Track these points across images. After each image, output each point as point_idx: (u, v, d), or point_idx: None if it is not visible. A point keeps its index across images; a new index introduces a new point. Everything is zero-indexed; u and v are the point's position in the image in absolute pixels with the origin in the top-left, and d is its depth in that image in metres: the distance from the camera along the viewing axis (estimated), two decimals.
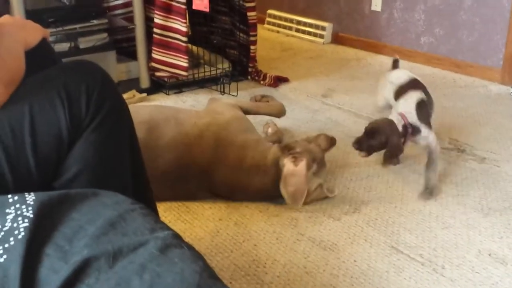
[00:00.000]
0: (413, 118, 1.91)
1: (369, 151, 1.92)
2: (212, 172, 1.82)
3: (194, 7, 2.76)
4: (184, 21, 2.73)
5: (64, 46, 2.69)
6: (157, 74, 2.88)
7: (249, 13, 2.95)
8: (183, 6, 2.70)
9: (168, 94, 2.91)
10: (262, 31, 4.06)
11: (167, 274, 0.70)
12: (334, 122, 2.56)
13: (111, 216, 0.78)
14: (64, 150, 0.97)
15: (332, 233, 1.69)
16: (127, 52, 3.05)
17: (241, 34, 3.09)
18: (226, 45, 3.24)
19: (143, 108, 1.99)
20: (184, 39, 2.76)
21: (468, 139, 2.37)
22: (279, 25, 4.32)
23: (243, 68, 3.16)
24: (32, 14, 2.51)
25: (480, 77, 3.20)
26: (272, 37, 4.19)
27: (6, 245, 0.72)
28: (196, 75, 2.99)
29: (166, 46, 2.80)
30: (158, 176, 1.67)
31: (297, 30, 4.18)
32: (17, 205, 0.77)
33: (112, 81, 1.06)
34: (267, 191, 1.81)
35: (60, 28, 2.62)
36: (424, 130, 1.91)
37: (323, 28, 4.01)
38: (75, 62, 1.05)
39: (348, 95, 2.93)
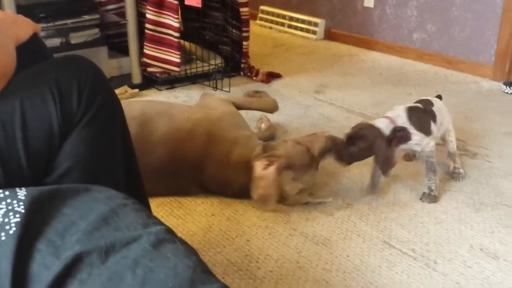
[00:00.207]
0: (402, 120, 1.77)
1: (349, 160, 1.77)
2: (203, 167, 1.81)
3: (186, 2, 2.75)
4: (176, 16, 2.72)
5: (55, 42, 2.67)
6: (149, 69, 2.87)
7: (241, 9, 2.94)
8: (176, 2, 2.69)
9: (160, 90, 2.90)
10: (255, 27, 4.06)
11: (160, 269, 0.70)
12: (326, 118, 2.57)
13: (103, 211, 0.78)
14: (55, 145, 0.97)
15: (324, 228, 1.70)
16: (119, 48, 3.04)
17: (233, 30, 3.09)
18: (218, 41, 3.24)
19: (135, 104, 1.99)
20: (177, 34, 2.75)
21: (460, 135, 2.37)
22: (271, 21, 4.31)
23: (235, 64, 3.16)
24: (23, 9, 2.49)
25: (471, 73, 3.21)
26: (264, 33, 4.18)
27: None
28: (188, 71, 2.98)
29: (158, 41, 2.79)
30: (150, 171, 1.67)
31: (290, 26, 4.18)
32: (8, 200, 0.77)
33: (104, 76, 1.05)
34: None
35: (52, 23, 2.61)
36: (416, 134, 1.77)
37: (315, 24, 4.01)
38: (66, 57, 1.05)
39: (340, 91, 2.94)
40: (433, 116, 1.86)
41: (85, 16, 2.74)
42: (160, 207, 1.80)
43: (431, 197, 1.84)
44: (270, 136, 2.30)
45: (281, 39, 4.02)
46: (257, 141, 1.93)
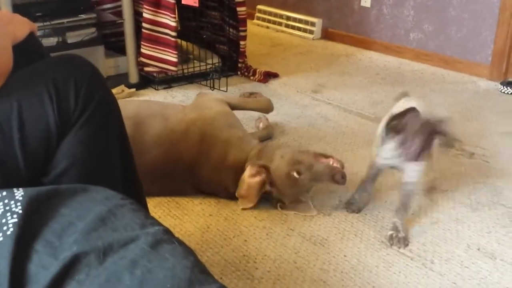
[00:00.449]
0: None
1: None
2: (197, 168, 1.81)
3: (183, 1, 2.74)
4: (173, 15, 2.71)
5: (52, 41, 2.66)
6: (146, 69, 2.87)
7: (238, 8, 2.94)
8: (172, 1, 2.69)
9: (157, 89, 2.90)
10: (252, 27, 4.05)
11: (158, 270, 0.70)
12: (323, 117, 2.56)
13: (101, 211, 0.77)
14: (52, 145, 0.96)
15: (322, 228, 1.70)
16: (115, 47, 3.03)
17: (230, 29, 3.08)
18: (215, 40, 3.23)
19: (129, 103, 1.98)
20: (174, 34, 2.74)
21: (457, 134, 2.38)
22: (268, 21, 4.31)
23: (232, 63, 3.15)
24: (19, 8, 2.48)
25: (468, 73, 3.21)
26: (262, 32, 4.18)
27: None
28: (185, 70, 2.97)
29: (155, 41, 2.78)
30: (145, 172, 1.65)
31: (287, 26, 4.18)
32: (6, 201, 0.76)
33: (101, 75, 1.05)
34: None
35: (48, 23, 2.60)
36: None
37: (312, 24, 4.01)
38: (63, 57, 1.04)
39: (337, 90, 2.94)
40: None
41: (82, 15, 2.73)
42: (158, 207, 1.80)
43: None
44: (267, 136, 2.30)
45: (278, 39, 4.02)
46: (252, 141, 1.92)
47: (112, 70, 2.95)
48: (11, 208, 0.75)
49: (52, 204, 0.78)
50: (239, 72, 3.14)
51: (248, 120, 2.35)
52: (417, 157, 1.55)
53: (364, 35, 3.76)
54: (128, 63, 2.88)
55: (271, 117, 2.41)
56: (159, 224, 0.80)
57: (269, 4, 4.34)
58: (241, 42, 3.03)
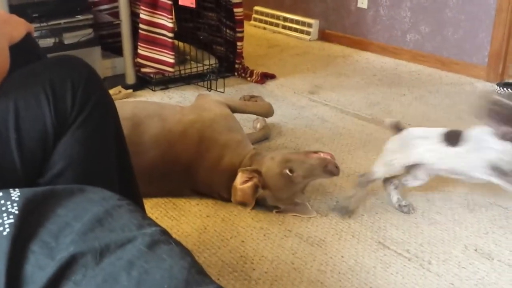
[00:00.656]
0: None
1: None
2: (193, 169, 1.81)
3: (180, 2, 2.74)
4: (170, 16, 2.71)
5: (48, 42, 2.66)
6: (143, 70, 2.86)
7: (235, 9, 2.94)
8: (169, 2, 2.69)
9: (154, 90, 2.89)
10: (249, 28, 4.05)
11: (155, 271, 0.70)
12: (320, 118, 2.57)
13: (98, 212, 0.77)
14: (49, 146, 0.96)
15: (319, 229, 1.69)
16: (112, 48, 3.03)
17: (227, 31, 3.08)
18: (212, 41, 3.23)
19: (127, 104, 1.98)
20: (171, 35, 2.74)
21: None
22: (265, 22, 4.31)
23: (229, 64, 3.15)
24: (16, 9, 2.47)
25: (465, 74, 3.22)
26: (258, 33, 4.18)
27: None
28: (182, 71, 2.97)
29: (152, 42, 2.78)
30: (142, 173, 1.65)
31: (284, 27, 4.18)
32: (2, 201, 0.76)
33: (98, 76, 1.05)
34: None
35: (45, 24, 2.59)
36: None
37: (309, 25, 4.01)
38: (60, 57, 1.04)
39: (334, 91, 2.94)
40: None
41: (79, 16, 2.73)
42: (155, 208, 1.79)
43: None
44: (264, 137, 2.30)
45: (275, 40, 4.02)
46: (249, 146, 1.92)
47: (109, 71, 2.95)
48: (7, 208, 0.75)
49: (49, 204, 0.77)
50: (236, 73, 3.14)
51: (246, 121, 2.35)
52: None
53: (361, 36, 3.76)
54: (125, 64, 2.88)
55: (268, 118, 2.41)
56: (156, 225, 0.80)
57: (266, 5, 4.34)
58: (238, 43, 3.03)
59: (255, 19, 4.38)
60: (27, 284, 0.69)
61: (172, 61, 2.78)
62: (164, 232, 0.78)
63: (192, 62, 3.04)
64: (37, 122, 0.94)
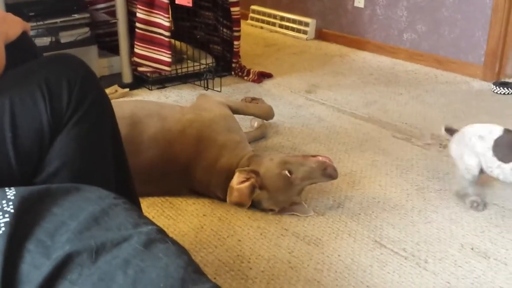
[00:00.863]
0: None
1: None
2: (192, 169, 1.80)
3: (177, 1, 2.74)
4: (167, 15, 2.71)
5: (45, 41, 2.65)
6: (140, 69, 2.86)
7: (232, 8, 2.94)
8: (166, 1, 2.68)
9: (151, 89, 2.89)
10: (246, 27, 4.05)
11: (152, 269, 0.70)
12: (317, 117, 2.57)
13: (94, 211, 0.77)
14: (45, 144, 0.96)
15: (316, 228, 1.70)
16: (109, 47, 3.02)
17: (224, 30, 3.08)
18: (209, 40, 3.23)
19: (126, 103, 1.98)
20: (167, 34, 2.74)
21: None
22: (262, 21, 4.31)
23: (226, 63, 3.15)
24: (12, 8, 2.47)
25: (461, 73, 3.22)
26: (255, 32, 4.18)
27: None
28: (179, 71, 2.97)
29: (149, 41, 2.78)
30: (140, 172, 1.66)
31: (281, 26, 4.18)
32: None
33: (94, 75, 1.04)
34: None
35: (41, 22, 2.59)
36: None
37: (306, 24, 4.01)
38: (56, 56, 1.04)
39: (331, 90, 2.94)
40: None
41: (75, 15, 2.72)
42: (151, 207, 1.79)
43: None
44: (261, 136, 2.30)
45: (272, 39, 4.02)
46: (248, 147, 1.91)
47: (106, 70, 2.95)
48: (3, 207, 0.74)
49: (45, 203, 0.77)
50: (233, 72, 3.14)
51: (243, 119, 2.35)
52: None
53: (358, 35, 3.76)
54: (121, 63, 2.87)
55: (268, 121, 2.41)
56: (152, 223, 0.80)
57: (263, 4, 4.34)
58: (235, 42, 3.03)
59: (252, 18, 4.38)
60: (23, 283, 0.69)
61: (168, 60, 2.78)
62: (160, 230, 0.78)
63: (189, 61, 3.04)
64: (33, 121, 0.94)
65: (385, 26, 3.59)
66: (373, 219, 1.75)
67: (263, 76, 3.10)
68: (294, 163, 1.71)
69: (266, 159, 1.75)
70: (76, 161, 0.98)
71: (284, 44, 3.89)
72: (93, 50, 2.82)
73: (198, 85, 2.96)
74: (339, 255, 1.56)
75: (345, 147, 2.26)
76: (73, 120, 0.97)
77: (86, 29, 2.78)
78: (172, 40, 2.85)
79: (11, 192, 0.77)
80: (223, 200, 1.77)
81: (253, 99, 2.47)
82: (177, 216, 1.75)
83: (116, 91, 2.73)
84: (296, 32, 4.06)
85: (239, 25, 3.01)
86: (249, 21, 4.37)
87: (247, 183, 1.69)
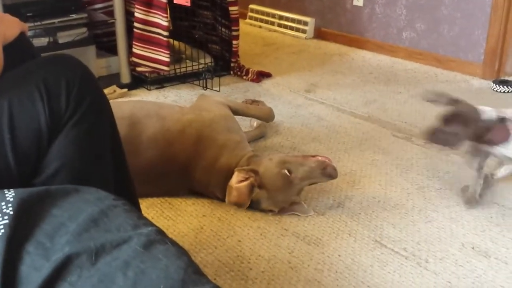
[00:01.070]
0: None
1: (441, 142, 1.63)
2: (191, 169, 1.80)
3: (175, 1, 2.73)
4: (165, 15, 2.70)
5: (42, 41, 2.65)
6: (138, 69, 2.85)
7: (231, 8, 2.93)
8: (164, 0, 2.67)
9: (150, 90, 2.88)
10: (244, 26, 4.05)
11: (152, 271, 0.69)
12: (317, 117, 2.56)
13: (93, 212, 0.77)
14: (44, 145, 0.95)
15: (316, 228, 1.69)
16: (107, 47, 3.02)
17: (223, 29, 3.07)
18: (208, 40, 3.22)
19: (125, 104, 1.97)
20: (166, 33, 2.73)
21: None
22: (261, 20, 4.30)
23: (225, 63, 3.14)
24: (10, 8, 2.46)
25: (461, 71, 3.22)
26: (254, 32, 4.18)
27: None
28: (178, 70, 2.96)
29: (147, 40, 2.77)
30: (139, 172, 1.65)
31: (280, 25, 4.17)
32: None
33: (93, 75, 1.04)
34: None
35: (39, 23, 2.58)
36: None
37: (305, 23, 4.01)
38: (55, 57, 1.04)
39: (331, 90, 2.93)
40: None
41: (73, 15, 2.72)
42: (151, 208, 1.79)
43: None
44: (260, 135, 2.29)
45: (271, 38, 4.01)
46: (248, 148, 1.91)
47: (104, 70, 2.94)
48: (1, 209, 0.74)
49: (44, 205, 0.77)
50: (231, 72, 3.13)
51: (243, 119, 2.35)
52: None
53: (357, 34, 3.76)
54: (119, 63, 2.87)
55: (268, 123, 2.40)
56: (152, 224, 0.79)
57: (262, 3, 4.33)
58: (234, 42, 3.03)
59: (251, 18, 4.37)
60: (23, 285, 0.69)
61: (167, 60, 2.77)
62: (160, 232, 0.78)
63: (187, 61, 3.03)
64: (31, 121, 0.93)
65: (384, 24, 3.59)
66: (374, 218, 1.74)
67: (262, 76, 3.10)
68: (294, 162, 1.71)
69: (266, 159, 1.75)
70: (75, 162, 0.98)
71: (283, 43, 3.88)
72: (91, 50, 2.82)
73: (197, 85, 2.95)
74: (339, 255, 1.56)
75: (345, 146, 2.26)
76: (72, 121, 0.96)
77: (84, 29, 2.77)
78: (171, 40, 2.85)
79: (10, 194, 0.77)
80: (222, 200, 1.77)
81: (253, 101, 2.46)
82: (177, 217, 1.74)
83: (115, 91, 2.73)
84: (295, 31, 4.05)
85: (237, 25, 3.00)
86: (247, 20, 4.36)
87: (246, 182, 1.69)
